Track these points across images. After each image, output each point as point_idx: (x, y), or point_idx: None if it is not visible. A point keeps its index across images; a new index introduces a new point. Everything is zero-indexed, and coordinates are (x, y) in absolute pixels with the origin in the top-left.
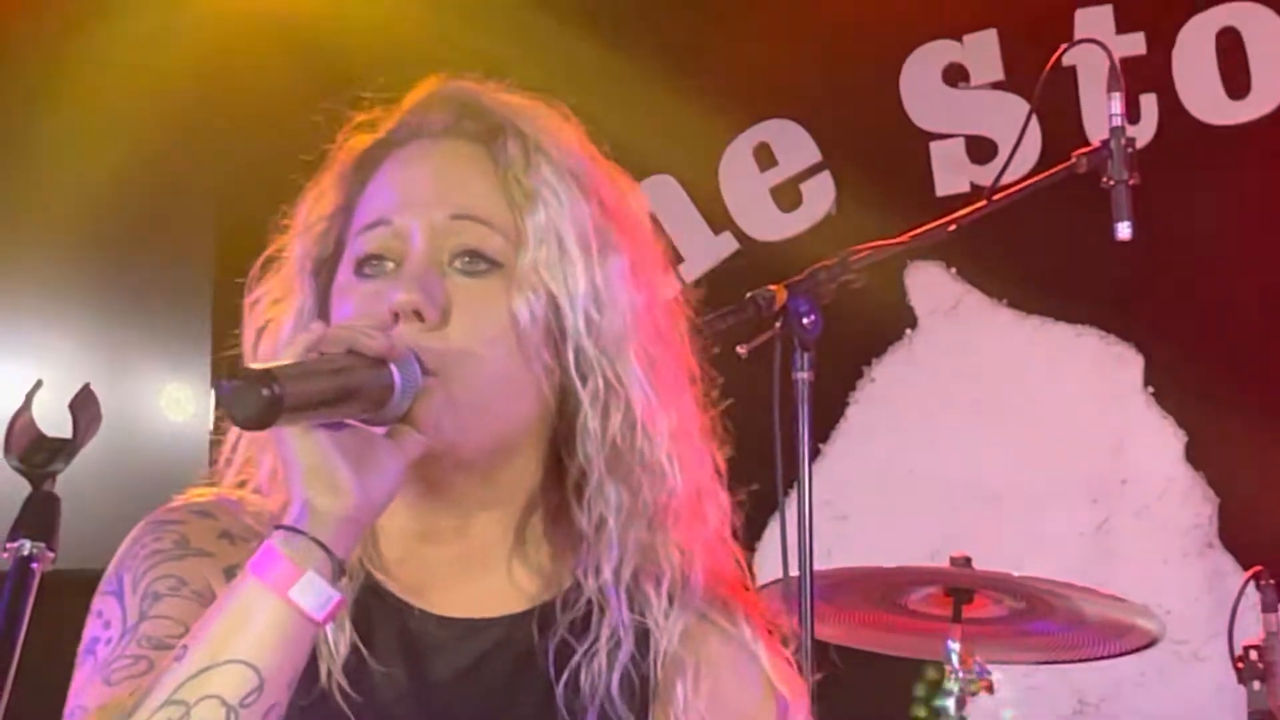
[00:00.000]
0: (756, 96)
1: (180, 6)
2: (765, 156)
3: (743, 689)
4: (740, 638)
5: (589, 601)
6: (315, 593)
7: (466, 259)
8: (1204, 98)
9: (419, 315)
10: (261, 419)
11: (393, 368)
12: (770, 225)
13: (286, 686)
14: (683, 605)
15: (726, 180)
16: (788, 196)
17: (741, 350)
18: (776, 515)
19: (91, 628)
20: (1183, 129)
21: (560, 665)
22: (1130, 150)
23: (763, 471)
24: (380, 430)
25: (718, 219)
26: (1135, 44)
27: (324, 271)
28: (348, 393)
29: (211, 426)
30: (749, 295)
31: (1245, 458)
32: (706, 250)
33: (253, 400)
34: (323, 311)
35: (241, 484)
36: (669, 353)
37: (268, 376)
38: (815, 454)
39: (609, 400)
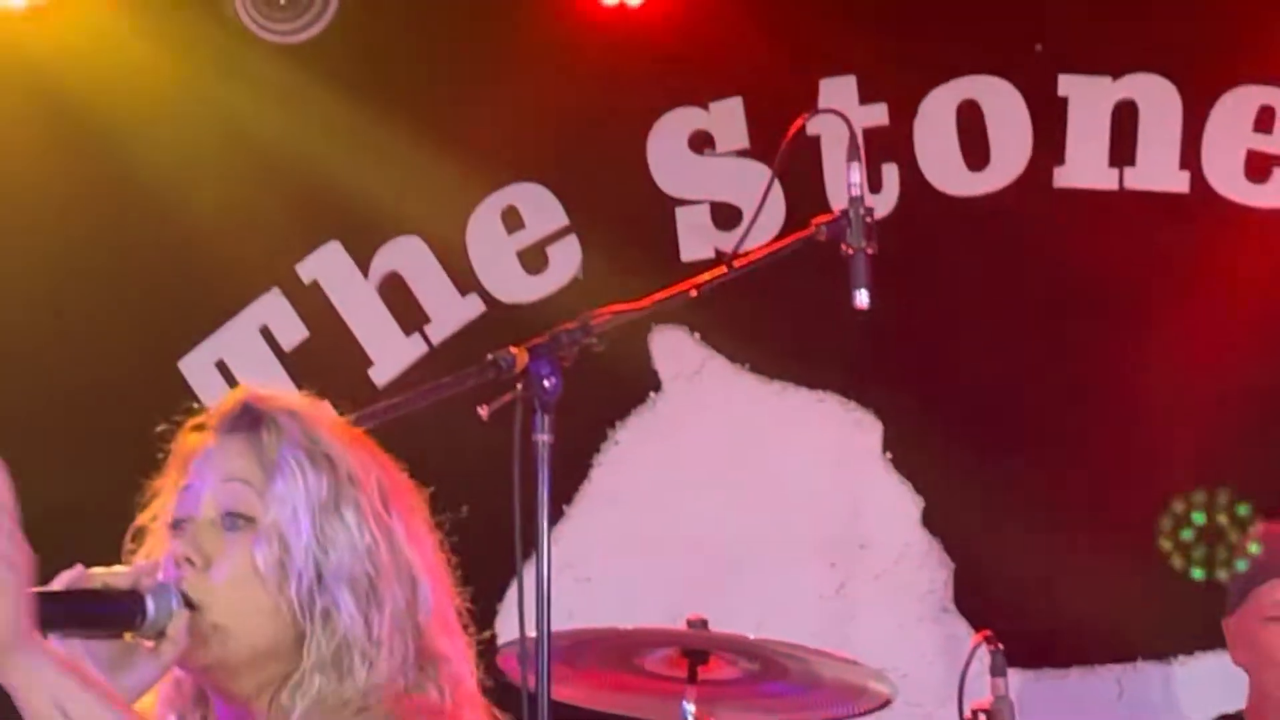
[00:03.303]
0: (505, 159)
1: None
2: (513, 219)
3: None
4: None
5: None
6: None
7: (228, 517)
8: (944, 169)
9: (190, 562)
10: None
11: (146, 597)
12: (517, 287)
13: None
14: None
15: (474, 242)
16: (534, 259)
17: (483, 411)
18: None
19: None
20: (924, 199)
21: None
22: (869, 219)
23: (504, 533)
24: (148, 643)
25: (465, 280)
26: (878, 114)
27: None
28: (99, 615)
29: None
30: (490, 357)
31: (980, 524)
32: (453, 312)
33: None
34: None
35: None
36: (385, 573)
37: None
38: (558, 516)
39: (322, 623)
